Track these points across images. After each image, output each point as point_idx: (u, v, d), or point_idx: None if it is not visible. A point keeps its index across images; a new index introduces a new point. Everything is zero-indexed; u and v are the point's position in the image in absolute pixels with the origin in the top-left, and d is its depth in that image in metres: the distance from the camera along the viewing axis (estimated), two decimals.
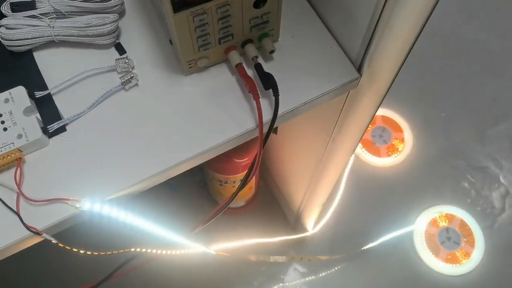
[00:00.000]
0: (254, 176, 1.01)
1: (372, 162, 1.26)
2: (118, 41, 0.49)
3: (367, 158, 1.27)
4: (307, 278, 1.13)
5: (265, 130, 0.45)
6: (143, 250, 0.57)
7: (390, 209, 1.20)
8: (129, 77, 0.47)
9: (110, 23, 0.48)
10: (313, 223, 1.04)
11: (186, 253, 0.66)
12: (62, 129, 0.45)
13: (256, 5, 0.42)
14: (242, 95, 0.47)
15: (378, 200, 1.21)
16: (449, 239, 1.17)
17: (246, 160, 0.85)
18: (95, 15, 0.48)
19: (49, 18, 0.48)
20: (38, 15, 0.48)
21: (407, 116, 1.31)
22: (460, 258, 1.14)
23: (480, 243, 1.16)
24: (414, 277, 1.13)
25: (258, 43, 0.47)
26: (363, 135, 0.58)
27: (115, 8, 0.49)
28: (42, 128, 0.44)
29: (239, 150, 0.84)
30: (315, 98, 0.47)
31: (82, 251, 0.49)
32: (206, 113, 0.46)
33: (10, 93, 0.44)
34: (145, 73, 0.48)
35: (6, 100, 0.44)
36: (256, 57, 0.46)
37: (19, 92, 0.45)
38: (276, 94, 0.44)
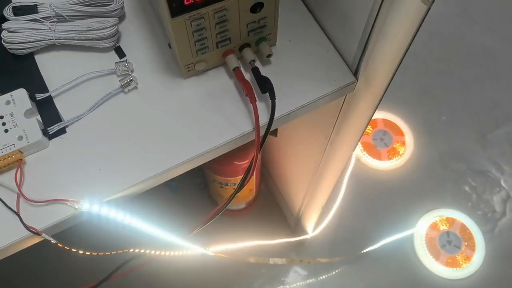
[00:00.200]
0: (254, 179, 1.02)
1: (373, 165, 1.27)
2: (118, 45, 0.50)
3: (368, 161, 1.27)
4: (307, 281, 1.13)
5: (262, 133, 0.45)
6: (142, 251, 0.57)
7: (390, 212, 1.20)
8: (128, 80, 0.47)
9: (110, 27, 0.48)
10: (313, 226, 1.04)
11: (185, 254, 0.67)
12: (62, 131, 0.46)
13: (253, 10, 0.43)
14: (240, 98, 0.47)
15: (378, 203, 1.21)
16: (450, 242, 1.17)
17: (246, 163, 0.86)
18: (95, 19, 0.49)
19: (50, 22, 0.48)
20: (40, 19, 0.48)
21: (408, 119, 1.31)
22: (461, 262, 1.14)
23: (481, 247, 1.16)
24: (414, 280, 1.13)
25: (255, 47, 0.48)
26: (360, 138, 0.58)
27: (115, 12, 0.50)
28: (42, 130, 0.45)
29: (239, 152, 0.85)
30: (311, 102, 0.48)
31: (81, 252, 0.49)
32: (203, 116, 0.47)
33: (11, 95, 0.45)
34: (144, 76, 0.49)
35: (8, 102, 0.45)
36: (254, 61, 0.47)
37: (20, 95, 0.45)
38: (272, 97, 0.45)
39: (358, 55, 0.46)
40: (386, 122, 1.31)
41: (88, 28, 0.48)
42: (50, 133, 0.45)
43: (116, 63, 0.48)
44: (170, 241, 0.55)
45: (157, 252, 0.60)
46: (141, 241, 0.55)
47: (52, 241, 0.44)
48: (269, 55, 0.48)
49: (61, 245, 0.45)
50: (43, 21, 0.48)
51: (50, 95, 0.47)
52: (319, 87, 0.48)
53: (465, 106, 1.34)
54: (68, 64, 0.49)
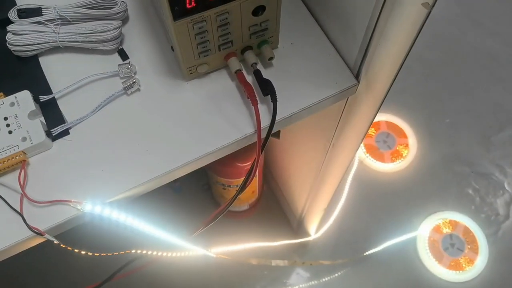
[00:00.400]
0: (257, 180, 1.02)
1: (376, 168, 1.26)
2: (121, 47, 0.51)
3: (371, 163, 1.27)
4: (309, 283, 1.13)
5: (264, 135, 0.46)
6: (145, 252, 0.58)
7: (393, 214, 1.20)
8: (131, 82, 0.48)
9: (113, 29, 0.49)
10: (316, 228, 1.04)
11: (187, 255, 0.67)
12: (65, 132, 0.46)
13: (255, 13, 0.43)
14: (241, 100, 0.48)
15: (381, 205, 1.21)
16: (453, 245, 1.16)
17: (248, 164, 0.86)
18: (99, 22, 0.49)
19: (54, 25, 0.49)
20: (44, 22, 0.49)
21: (412, 121, 1.31)
22: (464, 265, 1.14)
23: (484, 250, 1.15)
24: (417, 283, 1.13)
25: (257, 50, 0.48)
26: (362, 140, 0.58)
27: (118, 15, 0.50)
28: (46, 131, 0.45)
29: (242, 154, 0.85)
30: (313, 104, 0.48)
31: (83, 252, 0.50)
32: (206, 118, 0.47)
33: (15, 97, 0.46)
34: (147, 78, 0.49)
35: (12, 104, 0.45)
36: (256, 63, 0.47)
37: (24, 96, 0.46)
38: (274, 100, 0.45)
39: (360, 58, 0.46)
40: (389, 124, 1.31)
41: (92, 31, 0.48)
42: (53, 134, 0.46)
43: (119, 65, 0.49)
44: (173, 242, 0.56)
45: (159, 253, 0.60)
46: (144, 242, 0.56)
47: (55, 242, 0.44)
48: (271, 58, 0.48)
49: (63, 246, 0.45)
50: (47, 24, 0.49)
51: (53, 97, 0.48)
52: (320, 90, 0.48)
53: (469, 109, 1.33)
54: (72, 66, 0.50)
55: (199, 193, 1.16)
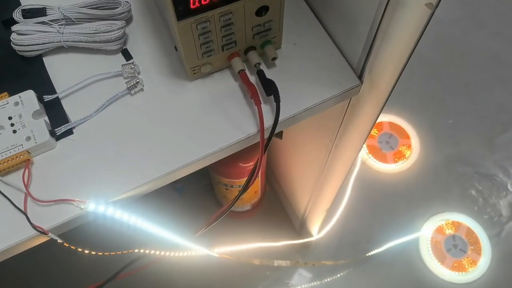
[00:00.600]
0: (259, 181, 1.02)
1: (379, 168, 1.26)
2: (125, 47, 0.51)
3: (373, 164, 1.27)
4: (312, 283, 1.13)
5: (267, 135, 0.46)
6: (148, 251, 0.58)
7: (396, 215, 1.20)
8: (134, 82, 0.48)
9: (117, 29, 0.49)
10: (318, 228, 1.04)
11: (190, 255, 0.67)
12: (69, 132, 0.47)
13: (259, 13, 0.43)
14: (245, 100, 0.48)
15: (384, 206, 1.21)
16: (456, 246, 1.16)
17: (251, 165, 0.86)
18: (103, 22, 0.49)
19: (58, 25, 0.49)
20: (48, 22, 0.49)
21: (414, 122, 1.31)
22: (467, 266, 1.14)
23: (487, 251, 1.15)
24: (419, 284, 1.13)
25: (260, 50, 0.48)
26: (365, 140, 0.58)
27: (122, 15, 0.50)
28: (50, 131, 0.45)
29: (244, 154, 0.85)
30: (316, 105, 0.48)
31: (87, 251, 0.50)
32: (209, 118, 0.47)
33: (20, 96, 0.46)
34: (151, 78, 0.49)
35: (16, 104, 0.46)
36: (259, 63, 0.47)
37: (29, 96, 0.46)
38: (277, 100, 0.45)
39: (363, 58, 0.47)
40: (392, 125, 1.31)
41: (96, 31, 0.49)
42: (57, 134, 0.46)
43: (122, 65, 0.49)
44: (175, 242, 0.56)
45: (162, 253, 0.60)
46: (147, 242, 0.56)
47: (59, 241, 0.44)
48: (274, 58, 0.48)
49: (67, 245, 0.46)
50: (51, 24, 0.49)
51: (57, 97, 0.48)
52: (324, 90, 0.48)
53: (472, 110, 1.33)
54: (76, 66, 0.50)
55: (201, 193, 1.16)
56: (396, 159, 1.27)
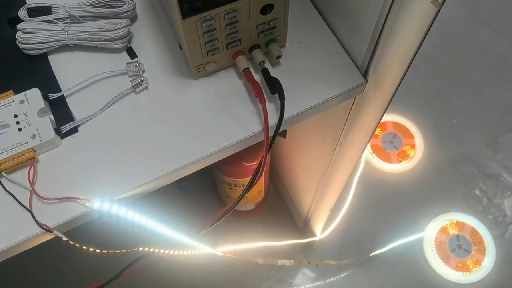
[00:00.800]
0: (263, 180, 1.02)
1: (383, 168, 1.26)
2: (129, 46, 0.51)
3: (377, 164, 1.26)
4: (315, 283, 1.13)
5: (271, 134, 0.46)
6: (152, 250, 0.58)
7: (400, 215, 1.20)
8: (139, 80, 0.48)
9: (122, 28, 0.49)
10: (322, 228, 1.04)
11: (194, 254, 0.67)
12: (74, 130, 0.47)
13: (263, 12, 0.43)
14: (249, 99, 0.48)
15: (388, 206, 1.21)
16: (460, 246, 1.16)
17: (255, 164, 0.86)
18: (108, 20, 0.49)
19: (63, 23, 0.49)
20: (54, 20, 0.49)
21: (418, 122, 1.31)
22: (471, 266, 1.13)
23: (491, 251, 1.15)
24: (423, 284, 1.13)
25: (265, 49, 0.48)
26: (369, 140, 0.58)
27: (127, 14, 0.50)
28: (55, 129, 0.46)
29: (248, 153, 0.85)
30: (321, 103, 0.48)
31: (91, 249, 0.50)
32: (213, 116, 0.47)
33: (25, 94, 0.46)
34: (155, 76, 0.49)
35: (22, 102, 0.46)
36: (263, 62, 0.47)
37: (34, 94, 0.46)
38: (282, 98, 0.45)
39: (368, 57, 0.46)
40: (396, 124, 1.31)
41: (101, 29, 0.49)
42: (62, 132, 0.46)
43: (127, 63, 0.49)
44: (179, 241, 0.56)
45: (166, 251, 0.61)
46: (151, 240, 0.56)
47: (64, 239, 0.44)
48: (279, 57, 0.48)
49: (72, 243, 0.46)
50: (56, 22, 0.49)
51: (62, 95, 0.48)
52: (328, 89, 0.48)
53: (476, 109, 1.33)
54: (81, 65, 0.50)
55: (205, 192, 1.16)
56: (400, 158, 1.27)
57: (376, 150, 1.28)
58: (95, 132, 0.47)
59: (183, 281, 1.07)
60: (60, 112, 0.47)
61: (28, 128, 0.45)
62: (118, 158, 0.46)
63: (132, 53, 0.51)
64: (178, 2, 0.38)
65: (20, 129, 0.45)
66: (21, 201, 0.43)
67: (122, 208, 0.44)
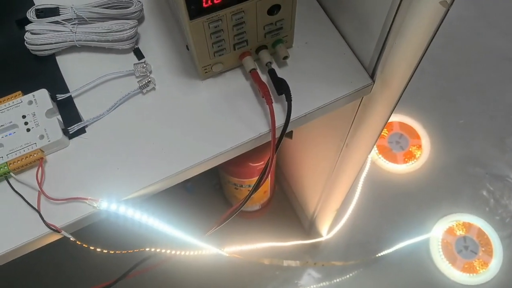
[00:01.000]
0: (269, 181, 1.02)
1: (389, 169, 1.26)
2: (136, 46, 0.51)
3: (383, 164, 1.26)
4: (321, 284, 1.13)
5: (278, 134, 0.46)
6: (158, 250, 0.58)
7: (406, 216, 1.19)
8: (146, 81, 0.48)
9: (129, 29, 0.49)
10: (328, 229, 1.04)
11: (200, 254, 0.68)
12: (82, 130, 0.47)
13: (270, 12, 0.43)
14: (256, 100, 0.48)
15: (394, 206, 1.20)
16: (467, 248, 1.15)
17: (261, 164, 0.86)
18: (115, 21, 0.49)
19: (71, 24, 0.49)
20: (61, 21, 0.49)
21: (425, 122, 1.30)
22: (478, 268, 1.13)
23: (499, 252, 1.14)
24: (429, 286, 1.12)
25: (272, 49, 0.48)
26: (376, 141, 0.58)
27: (134, 15, 0.51)
28: (63, 129, 0.46)
29: (254, 154, 0.85)
30: (328, 104, 0.48)
31: (98, 249, 0.50)
32: (220, 117, 0.47)
33: (33, 95, 0.46)
34: (162, 77, 0.50)
35: (30, 102, 0.46)
36: (270, 62, 0.47)
37: (42, 95, 0.46)
38: (289, 99, 0.45)
39: (375, 57, 0.46)
40: (402, 125, 1.30)
41: (108, 30, 0.49)
42: (70, 132, 0.46)
43: (134, 64, 0.49)
44: (186, 241, 0.56)
45: (173, 252, 0.61)
46: (157, 241, 0.56)
47: (71, 239, 0.44)
48: (286, 57, 0.48)
49: (79, 243, 0.46)
50: (64, 23, 0.49)
51: (70, 96, 0.48)
52: (335, 89, 0.48)
53: (483, 110, 1.32)
54: (88, 65, 0.50)
55: (211, 193, 1.16)
56: (406, 159, 1.26)
57: (383, 151, 1.27)
58: (103, 133, 0.47)
59: (189, 281, 1.07)
60: (68, 112, 0.48)
61: (36, 128, 0.45)
62: (125, 158, 0.46)
63: (139, 54, 0.51)
64: (186, 3, 0.38)
65: (28, 130, 0.45)
66: (29, 201, 0.43)
67: (129, 209, 0.44)
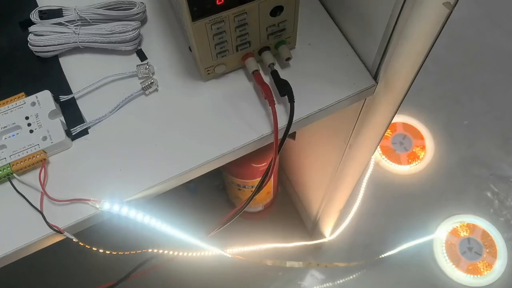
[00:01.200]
0: (272, 181, 1.02)
1: (393, 170, 1.25)
2: (139, 48, 0.51)
3: (387, 165, 1.26)
4: (324, 285, 1.13)
5: (281, 136, 0.45)
6: (161, 251, 0.58)
7: (410, 217, 1.19)
8: (149, 82, 0.48)
9: (132, 30, 0.49)
10: (331, 230, 1.03)
11: (203, 255, 0.68)
12: (84, 132, 0.47)
13: (273, 14, 0.43)
14: (259, 101, 0.48)
15: (397, 208, 1.20)
16: (471, 249, 1.14)
17: (264, 165, 0.86)
18: (118, 23, 0.50)
19: (74, 26, 0.50)
20: (65, 23, 0.50)
21: (429, 123, 1.30)
22: (482, 269, 1.12)
23: (503, 254, 1.13)
24: (433, 287, 1.12)
25: (275, 51, 0.48)
26: (379, 142, 0.58)
27: (137, 16, 0.51)
28: (65, 130, 0.46)
29: (257, 155, 0.85)
30: (330, 105, 0.48)
31: (101, 251, 0.50)
32: (222, 119, 0.47)
33: (36, 97, 0.46)
34: (165, 78, 0.50)
35: (33, 104, 0.46)
36: (273, 64, 0.47)
37: (45, 96, 0.46)
38: (291, 100, 0.45)
39: (378, 59, 0.46)
40: (405, 126, 1.30)
41: (111, 32, 0.49)
42: (73, 134, 0.46)
43: (137, 65, 0.49)
44: (188, 242, 0.56)
45: (175, 253, 0.61)
46: (160, 242, 0.56)
47: (74, 240, 0.44)
48: (288, 59, 0.48)
49: (82, 244, 0.46)
50: (67, 25, 0.50)
51: (73, 97, 0.48)
52: (338, 91, 0.48)
53: (488, 111, 1.31)
54: (91, 67, 0.51)
55: (214, 194, 1.16)
56: (410, 160, 1.26)
57: (386, 152, 1.27)
58: (105, 134, 0.47)
59: (192, 282, 1.07)
60: (71, 114, 0.48)
61: (39, 130, 0.45)
62: (128, 160, 0.46)
63: (142, 55, 0.51)
64: (188, 4, 0.38)
65: (31, 131, 0.45)
66: (32, 202, 0.43)
67: (131, 210, 0.44)
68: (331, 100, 0.48)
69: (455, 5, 0.33)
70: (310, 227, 1.11)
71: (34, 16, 0.50)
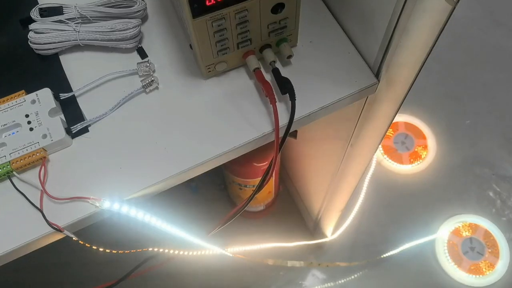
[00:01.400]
0: (273, 181, 1.01)
1: (394, 169, 1.25)
2: (140, 46, 0.51)
3: (389, 165, 1.25)
4: (325, 284, 1.12)
5: (282, 134, 0.45)
6: (161, 250, 0.58)
7: (411, 217, 1.18)
8: (149, 80, 0.48)
9: (132, 28, 0.49)
10: (332, 229, 1.03)
11: (204, 254, 0.67)
12: (84, 130, 0.47)
13: (274, 11, 0.43)
14: (260, 99, 0.47)
15: (399, 207, 1.20)
16: (473, 249, 1.14)
17: (265, 164, 0.86)
18: (118, 20, 0.49)
19: (75, 23, 0.49)
20: (65, 20, 0.49)
21: (431, 123, 1.29)
22: (484, 269, 1.12)
23: (505, 254, 1.13)
24: (435, 287, 1.11)
25: (276, 48, 0.48)
26: (381, 140, 0.57)
27: (138, 14, 0.50)
28: (65, 128, 0.46)
29: (258, 154, 0.85)
30: (332, 103, 0.47)
31: (101, 249, 0.50)
32: (223, 117, 0.47)
33: (36, 94, 0.46)
34: (166, 76, 0.49)
35: (33, 101, 0.46)
36: (274, 61, 0.47)
37: (45, 94, 0.46)
38: (292, 98, 0.45)
39: (380, 56, 0.46)
40: (407, 125, 1.29)
41: (112, 29, 0.49)
42: (73, 132, 0.46)
43: (138, 63, 0.49)
44: (189, 241, 0.56)
45: (176, 252, 0.60)
46: (160, 240, 0.56)
47: (74, 238, 0.44)
48: (290, 56, 0.48)
49: (82, 242, 0.46)
50: (68, 22, 0.49)
51: (73, 95, 0.48)
52: (340, 89, 0.48)
53: (490, 110, 1.31)
54: (92, 65, 0.50)
55: (215, 193, 1.16)
56: (412, 159, 1.26)
57: (388, 151, 1.27)
58: (106, 132, 0.47)
59: (193, 281, 1.07)
60: (71, 112, 0.47)
61: (39, 128, 0.45)
62: (128, 158, 0.46)
63: (142, 53, 0.51)
64: (189, 1, 0.38)
65: (31, 129, 0.45)
66: (32, 200, 0.43)
67: (132, 208, 0.44)
68: (333, 98, 0.47)
69: (457, 1, 0.33)
70: (311, 227, 1.11)
71: (34, 13, 0.50)
